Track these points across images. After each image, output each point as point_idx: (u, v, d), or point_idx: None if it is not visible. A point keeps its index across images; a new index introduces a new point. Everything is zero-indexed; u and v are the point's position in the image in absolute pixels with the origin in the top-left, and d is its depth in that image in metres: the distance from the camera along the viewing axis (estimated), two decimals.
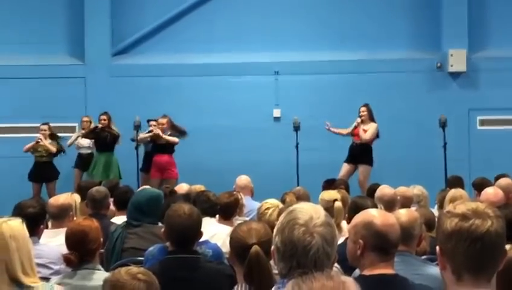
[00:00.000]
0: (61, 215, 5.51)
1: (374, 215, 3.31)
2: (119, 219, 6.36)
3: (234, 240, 3.23)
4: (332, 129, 11.74)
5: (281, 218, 2.52)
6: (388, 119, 12.20)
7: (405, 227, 3.98)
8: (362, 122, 11.43)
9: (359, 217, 3.33)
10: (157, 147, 11.75)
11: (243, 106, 13.29)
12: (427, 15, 13.37)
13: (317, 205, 2.64)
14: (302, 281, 1.69)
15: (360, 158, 11.38)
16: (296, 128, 11.86)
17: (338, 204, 5.79)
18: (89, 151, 12.27)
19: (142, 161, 12.12)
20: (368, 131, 11.35)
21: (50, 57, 13.34)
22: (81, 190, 7.50)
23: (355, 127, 11.47)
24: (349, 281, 1.70)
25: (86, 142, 12.22)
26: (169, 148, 11.76)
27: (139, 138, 11.80)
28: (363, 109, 11.49)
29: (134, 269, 2.68)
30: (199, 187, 7.82)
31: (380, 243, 3.21)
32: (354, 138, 11.49)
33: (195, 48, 13.49)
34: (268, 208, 5.02)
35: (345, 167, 11.44)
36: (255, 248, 3.05)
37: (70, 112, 13.16)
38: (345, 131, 11.64)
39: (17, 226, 3.18)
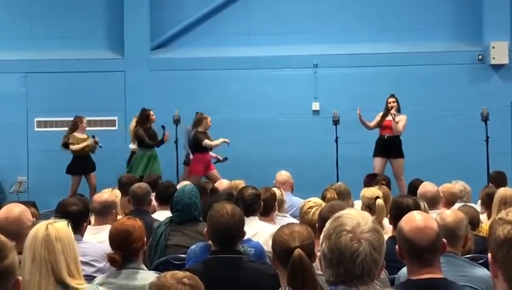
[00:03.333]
0: (104, 211, 5.56)
1: (407, 219, 3.29)
2: (161, 214, 6.40)
3: (277, 243, 3.21)
4: (362, 119, 11.35)
5: (328, 224, 2.49)
6: (429, 113, 12.08)
7: (450, 228, 3.94)
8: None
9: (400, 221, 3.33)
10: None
11: (282, 99, 13.26)
12: (469, 7, 13.18)
13: (364, 212, 2.60)
14: None
15: (393, 151, 11.15)
16: (336, 122, 11.76)
17: (380, 201, 5.73)
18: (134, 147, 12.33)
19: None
20: (400, 122, 11.11)
21: (90, 51, 13.46)
22: (122, 186, 7.58)
23: (383, 119, 11.21)
24: None
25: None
26: None
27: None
28: (392, 99, 11.24)
29: (179, 273, 2.68)
30: (239, 182, 7.81)
31: (409, 249, 3.19)
32: (384, 130, 11.22)
33: (234, 41, 13.49)
34: (311, 207, 4.97)
35: (379, 162, 11.16)
36: (298, 251, 3.02)
37: (109, 106, 13.28)
38: (371, 124, 11.34)
39: (62, 227, 3.20)
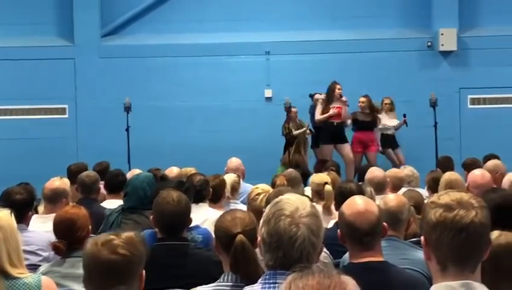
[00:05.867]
0: (55, 199, 5.50)
1: (348, 204, 3.35)
2: (110, 203, 6.36)
3: (219, 229, 3.23)
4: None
5: (267, 209, 2.53)
6: (379, 99, 12.18)
7: (393, 212, 4.02)
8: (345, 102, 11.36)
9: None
10: None
11: (235, 86, 13.25)
12: None
13: (303, 196, 2.64)
14: (300, 277, 1.70)
15: (340, 137, 11.38)
16: (288, 108, 11.82)
17: (328, 187, 5.81)
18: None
19: None
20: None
21: (39, 38, 13.23)
22: (72, 174, 7.51)
23: (329, 106, 11.36)
24: (348, 281, 1.71)
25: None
26: None
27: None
28: (340, 86, 11.44)
29: (115, 239, 2.46)
30: (190, 170, 7.79)
31: (350, 232, 3.24)
32: (333, 118, 11.33)
33: (186, 28, 13.41)
34: (259, 194, 5.01)
35: (330, 149, 11.35)
36: (240, 237, 3.06)
37: (59, 94, 13.12)
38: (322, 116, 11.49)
39: (4, 216, 3.17)
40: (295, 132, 11.53)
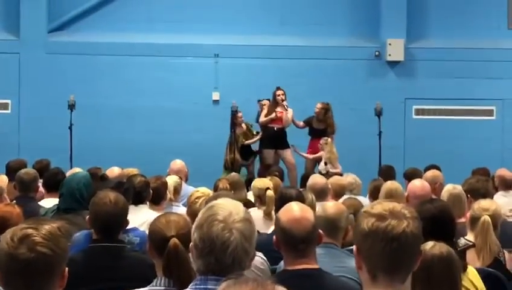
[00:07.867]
0: None
1: (285, 210, 3.34)
2: (48, 202, 6.24)
3: (152, 232, 3.20)
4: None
5: (200, 214, 2.50)
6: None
7: (331, 219, 4.02)
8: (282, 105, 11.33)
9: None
10: None
11: (182, 87, 13.19)
12: (367, 3, 13.47)
13: (237, 201, 2.61)
14: (234, 284, 1.68)
15: (282, 143, 11.37)
16: (234, 112, 11.80)
17: (270, 192, 5.79)
18: None
19: None
20: (290, 114, 11.35)
21: None
22: (11, 171, 7.35)
23: (273, 110, 11.33)
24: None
25: None
26: None
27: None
28: (281, 92, 11.37)
29: (35, 234, 2.23)
30: (131, 170, 7.69)
31: (285, 239, 3.24)
32: (274, 122, 11.33)
33: (135, 27, 13.29)
34: (198, 197, 4.98)
35: (271, 154, 11.36)
36: (174, 240, 3.03)
37: (2, 89, 12.87)
38: (265, 119, 11.43)
39: None
40: (247, 142, 11.57)
